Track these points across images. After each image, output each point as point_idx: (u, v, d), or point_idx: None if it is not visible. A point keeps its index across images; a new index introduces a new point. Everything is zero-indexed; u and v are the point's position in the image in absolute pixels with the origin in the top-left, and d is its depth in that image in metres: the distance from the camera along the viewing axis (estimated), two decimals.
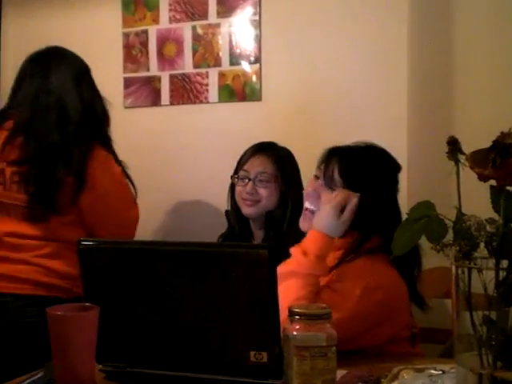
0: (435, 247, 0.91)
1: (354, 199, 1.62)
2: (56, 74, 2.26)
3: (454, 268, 0.92)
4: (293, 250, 1.61)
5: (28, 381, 1.15)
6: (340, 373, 1.27)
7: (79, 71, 2.32)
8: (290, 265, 1.57)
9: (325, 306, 1.23)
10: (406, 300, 1.66)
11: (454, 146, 0.90)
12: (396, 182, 1.76)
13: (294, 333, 1.18)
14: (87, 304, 1.21)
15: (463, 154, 0.90)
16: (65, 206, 2.11)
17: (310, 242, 1.60)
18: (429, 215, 0.91)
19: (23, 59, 3.20)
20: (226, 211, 2.32)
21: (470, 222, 0.88)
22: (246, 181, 2.21)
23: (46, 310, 1.16)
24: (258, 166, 2.21)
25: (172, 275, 1.26)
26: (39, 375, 1.20)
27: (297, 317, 1.18)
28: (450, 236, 0.94)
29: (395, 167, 1.77)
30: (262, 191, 2.18)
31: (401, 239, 0.93)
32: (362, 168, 1.70)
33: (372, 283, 1.56)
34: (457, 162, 0.90)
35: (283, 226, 2.13)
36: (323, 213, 1.62)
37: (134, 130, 3.09)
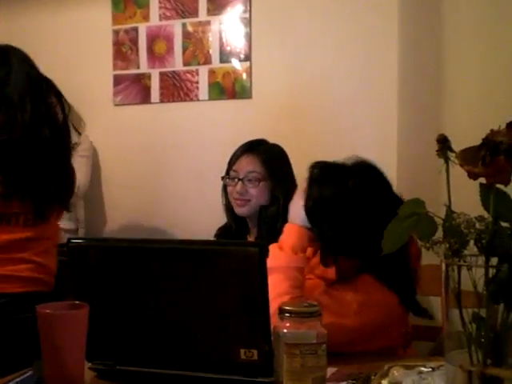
0: (425, 245, 0.91)
1: None
2: (27, 73, 2.24)
3: (443, 265, 0.92)
4: (270, 247, 1.60)
5: (17, 380, 1.14)
6: (330, 370, 1.28)
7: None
8: (269, 262, 1.55)
9: (315, 304, 1.23)
10: (403, 317, 1.64)
11: (443, 143, 0.90)
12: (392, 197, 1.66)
13: (285, 330, 1.18)
14: (77, 302, 1.21)
15: (453, 151, 0.90)
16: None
17: (285, 236, 1.62)
18: (419, 213, 0.91)
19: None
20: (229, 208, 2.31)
21: (460, 219, 0.88)
22: (236, 181, 2.21)
23: (36, 309, 1.16)
24: (247, 165, 2.21)
25: (162, 273, 1.26)
26: (28, 374, 1.19)
27: (287, 314, 1.18)
28: (439, 234, 0.94)
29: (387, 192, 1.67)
30: (252, 191, 2.18)
31: (390, 236, 0.93)
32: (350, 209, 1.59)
33: (371, 300, 1.54)
34: (446, 159, 0.90)
35: (276, 222, 2.13)
36: (292, 206, 1.66)
37: (124, 128, 3.08)
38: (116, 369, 1.31)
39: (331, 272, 1.64)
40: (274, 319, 1.20)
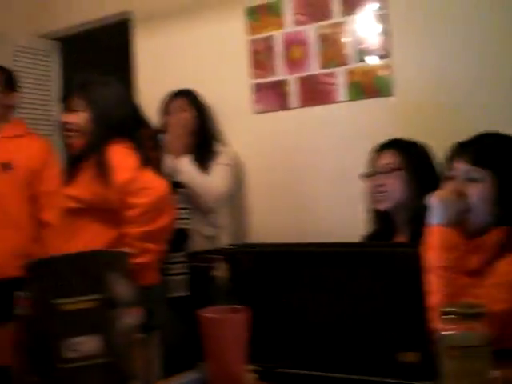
0: None
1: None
2: None
3: None
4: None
5: (184, 380, 1.19)
6: (494, 374, 1.22)
7: None
8: None
9: (477, 305, 1.18)
10: None
11: None
12: None
13: (446, 332, 1.14)
14: (236, 306, 1.24)
15: None
16: None
17: (432, 237, 1.62)
18: None
19: (155, 72, 3.35)
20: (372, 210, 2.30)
21: None
22: (373, 175, 2.21)
23: (198, 313, 1.20)
24: (383, 159, 2.21)
25: (318, 276, 1.26)
26: (195, 376, 1.24)
27: (449, 316, 1.15)
28: None
29: None
30: (387, 181, 2.17)
31: None
32: (498, 151, 1.67)
33: None
34: None
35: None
36: (434, 205, 1.66)
37: (265, 135, 3.13)
38: (276, 371, 1.33)
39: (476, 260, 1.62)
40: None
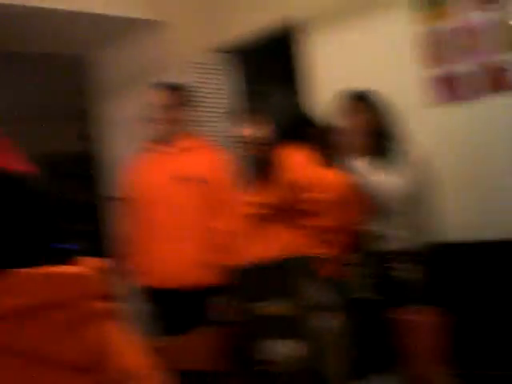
0: None
1: None
2: None
3: None
4: None
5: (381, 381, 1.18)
6: None
7: None
8: None
9: None
10: None
11: None
12: None
13: None
14: (432, 308, 1.21)
15: None
16: None
17: None
18: None
19: (329, 73, 3.35)
20: None
21: None
22: None
23: (392, 315, 1.18)
24: None
25: None
26: (390, 380, 1.22)
27: None
28: None
29: None
30: None
31: None
32: None
33: None
34: None
35: None
36: None
37: (437, 129, 3.02)
38: (480, 373, 1.28)
39: None
40: None
